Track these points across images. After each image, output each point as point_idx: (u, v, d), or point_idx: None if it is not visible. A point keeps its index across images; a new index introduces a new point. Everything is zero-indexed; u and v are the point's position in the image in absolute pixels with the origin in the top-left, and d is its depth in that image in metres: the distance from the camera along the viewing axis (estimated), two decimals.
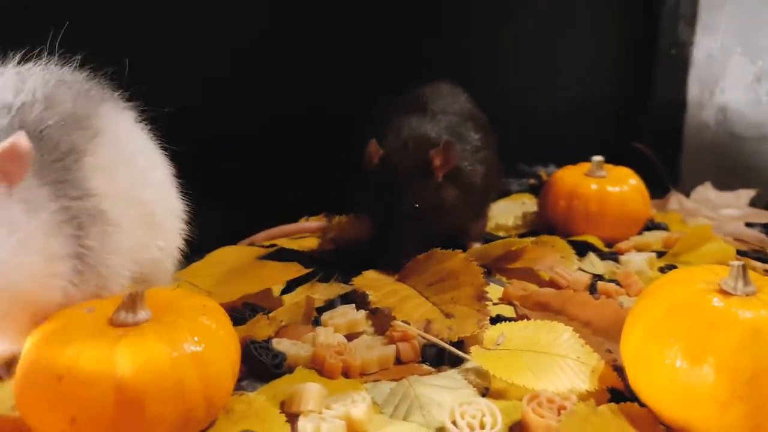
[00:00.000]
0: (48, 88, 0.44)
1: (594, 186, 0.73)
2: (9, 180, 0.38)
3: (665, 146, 1.27)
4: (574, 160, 0.80)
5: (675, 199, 0.86)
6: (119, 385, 0.35)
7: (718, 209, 0.85)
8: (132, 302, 0.39)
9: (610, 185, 0.73)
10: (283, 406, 0.41)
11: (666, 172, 0.94)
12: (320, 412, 0.39)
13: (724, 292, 0.38)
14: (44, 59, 0.48)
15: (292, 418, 0.39)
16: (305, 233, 0.76)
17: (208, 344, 0.38)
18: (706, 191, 0.89)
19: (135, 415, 0.35)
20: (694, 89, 1.29)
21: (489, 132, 0.73)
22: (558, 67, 1.13)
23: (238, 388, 0.43)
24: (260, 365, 0.45)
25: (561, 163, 0.83)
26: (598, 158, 0.75)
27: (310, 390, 0.40)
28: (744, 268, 0.38)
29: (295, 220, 0.78)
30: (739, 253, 0.66)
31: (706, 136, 1.26)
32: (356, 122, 0.78)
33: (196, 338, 0.38)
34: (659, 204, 0.86)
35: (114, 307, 0.39)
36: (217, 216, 0.59)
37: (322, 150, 0.78)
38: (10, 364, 0.44)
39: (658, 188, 0.91)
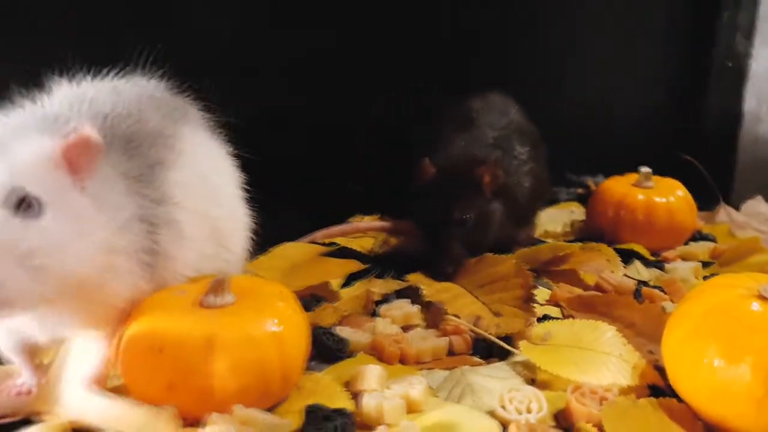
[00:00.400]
0: (140, 104, 0.48)
1: (641, 196, 0.75)
2: (77, 172, 0.40)
3: (719, 159, 1.26)
4: (625, 171, 0.82)
5: (724, 212, 0.87)
6: (210, 357, 0.40)
7: None
8: (219, 287, 0.44)
9: (657, 196, 0.75)
10: (347, 386, 0.45)
11: (715, 184, 0.95)
12: (381, 392, 0.43)
13: (762, 298, 0.41)
14: (137, 75, 0.53)
15: (355, 395, 0.44)
16: (360, 232, 0.81)
17: (285, 326, 0.43)
18: (757, 205, 0.90)
19: (224, 383, 0.40)
20: (751, 102, 1.27)
21: (537, 144, 0.76)
22: (610, 78, 1.15)
23: (307, 368, 0.48)
24: (326, 349, 0.50)
25: (610, 174, 0.85)
26: (645, 169, 0.77)
27: (373, 371, 0.45)
28: None
29: (349, 219, 0.84)
30: None
31: (763, 150, 1.25)
32: (409, 130, 0.83)
33: (275, 320, 0.43)
34: (708, 216, 0.87)
35: (202, 290, 0.45)
36: (279, 214, 0.65)
37: (376, 154, 0.83)
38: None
39: (707, 201, 0.92)
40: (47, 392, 0.42)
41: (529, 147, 0.73)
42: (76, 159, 0.39)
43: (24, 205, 0.37)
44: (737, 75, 1.26)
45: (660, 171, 0.82)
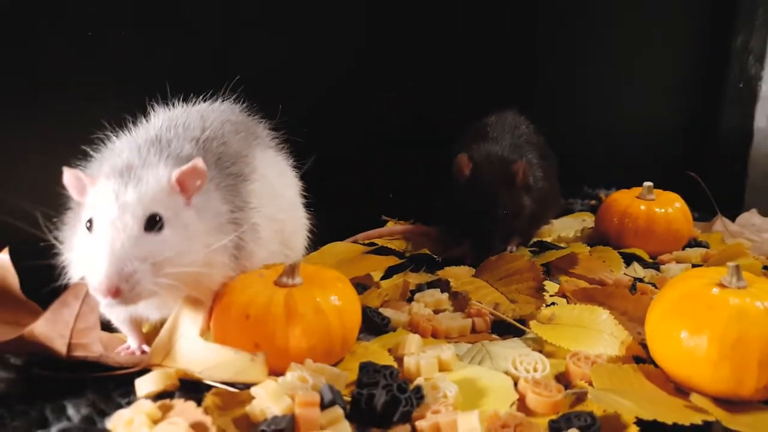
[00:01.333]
0: (222, 128, 0.60)
1: (643, 207, 0.86)
2: (187, 192, 0.51)
3: (731, 174, 1.34)
4: (638, 185, 0.91)
5: (720, 222, 0.97)
6: (287, 322, 0.52)
7: (762, 233, 0.95)
8: (291, 270, 0.56)
9: (657, 207, 0.85)
10: (391, 352, 0.57)
11: (714, 198, 1.03)
12: (418, 354, 0.55)
13: (722, 285, 0.51)
14: (217, 102, 0.65)
15: (398, 360, 0.55)
16: (395, 235, 0.93)
17: (344, 301, 0.55)
18: (750, 217, 0.99)
19: (298, 343, 0.52)
20: (761, 121, 1.35)
21: (547, 156, 0.88)
22: (629, 99, 1.24)
23: (357, 339, 0.59)
24: (373, 323, 0.61)
25: (627, 188, 0.94)
26: (648, 184, 0.88)
27: (413, 339, 0.56)
28: (738, 268, 0.51)
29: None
30: (767, 267, 0.77)
31: None
32: (437, 144, 0.94)
33: (337, 296, 0.54)
34: (706, 226, 0.97)
35: (276, 274, 0.57)
36: (327, 219, 0.76)
37: (410, 166, 0.95)
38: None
39: (711, 213, 1.01)
40: (159, 349, 0.54)
41: (538, 158, 0.85)
42: (188, 183, 0.51)
43: (152, 223, 0.49)
44: (749, 96, 1.34)
45: (672, 185, 0.91)
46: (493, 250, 0.76)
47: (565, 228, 0.97)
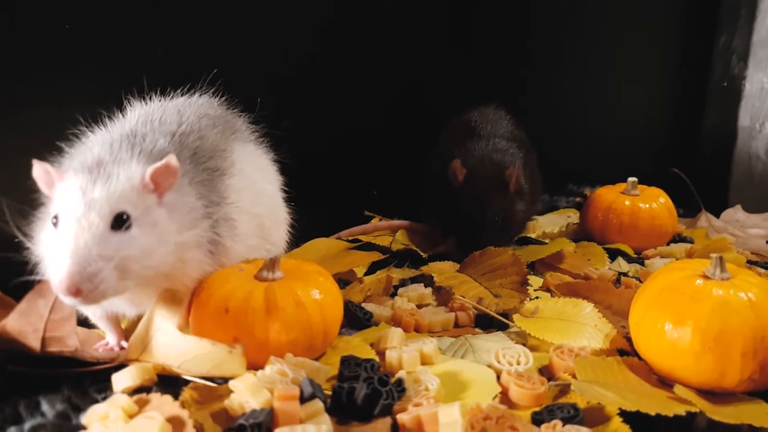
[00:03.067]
0: (199, 122, 0.59)
1: (627, 202, 0.86)
2: (159, 190, 0.50)
3: (715, 172, 1.35)
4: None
5: (704, 218, 0.97)
6: (267, 316, 0.51)
7: (746, 228, 0.95)
8: (272, 264, 0.55)
9: (641, 202, 0.85)
10: (373, 346, 0.56)
11: (703, 194, 1.04)
12: (400, 348, 0.54)
13: (705, 277, 0.51)
14: (196, 95, 0.64)
15: (380, 354, 0.55)
16: (379, 231, 0.92)
17: (325, 295, 0.54)
18: (734, 213, 1.00)
19: (278, 337, 0.51)
20: (745, 120, 1.36)
21: (530, 150, 0.88)
22: (614, 98, 1.25)
23: (339, 333, 0.58)
24: (355, 318, 0.61)
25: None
26: (632, 179, 0.88)
27: (395, 333, 0.56)
28: (721, 259, 0.51)
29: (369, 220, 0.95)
30: (750, 262, 0.77)
31: (756, 165, 1.34)
32: (418, 141, 0.94)
33: (318, 290, 0.54)
34: (690, 222, 0.97)
35: (256, 268, 0.56)
36: (309, 215, 0.75)
37: (393, 162, 0.94)
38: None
39: (695, 210, 1.02)
40: (137, 344, 0.53)
41: (524, 152, 0.84)
42: (160, 181, 0.50)
43: (119, 222, 0.47)
44: (733, 95, 1.36)
45: (659, 183, 0.91)
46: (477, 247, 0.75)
47: (550, 224, 0.97)
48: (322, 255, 0.80)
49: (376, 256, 0.77)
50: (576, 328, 0.57)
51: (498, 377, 0.50)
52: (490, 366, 0.52)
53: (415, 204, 0.93)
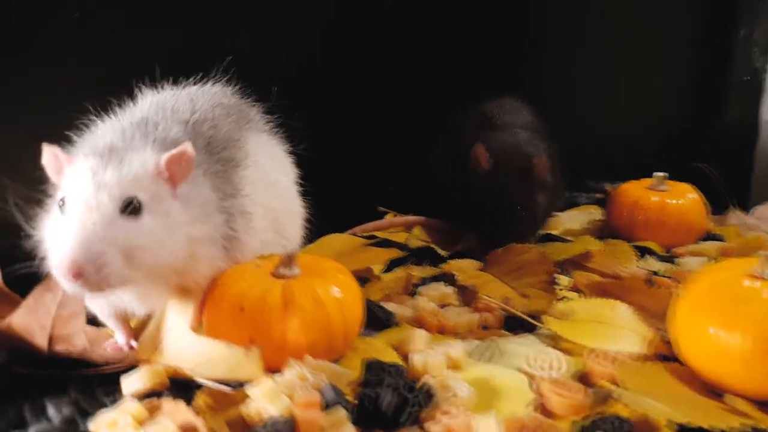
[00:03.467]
0: (213, 111, 0.56)
1: (655, 198, 0.82)
2: (173, 180, 0.47)
3: (737, 167, 1.32)
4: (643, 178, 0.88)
5: (735, 216, 0.93)
6: (285, 315, 0.48)
7: None
8: (289, 260, 0.52)
9: (669, 198, 0.82)
10: (396, 348, 0.53)
11: (728, 190, 1.01)
12: (426, 352, 0.51)
13: (753, 276, 0.47)
14: (209, 84, 0.61)
15: (404, 357, 0.51)
16: (395, 227, 0.88)
17: (345, 293, 0.51)
18: (766, 210, 0.96)
19: (296, 338, 0.48)
20: (766, 114, 1.33)
21: (550, 143, 0.84)
22: (635, 92, 1.22)
23: (359, 334, 0.55)
24: (376, 318, 0.57)
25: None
26: (660, 174, 0.84)
27: (420, 335, 0.52)
28: None
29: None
30: None
31: None
32: (432, 135, 0.90)
33: (338, 288, 0.50)
34: (720, 219, 0.94)
35: (272, 265, 0.53)
36: (323, 209, 0.72)
37: (407, 158, 0.91)
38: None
39: (723, 206, 0.98)
40: (147, 344, 0.50)
41: (546, 144, 0.81)
42: (176, 169, 0.47)
43: (130, 207, 0.44)
44: (754, 88, 1.32)
45: (680, 178, 0.88)
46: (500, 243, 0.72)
47: (572, 221, 0.93)
48: (338, 251, 0.77)
49: (394, 252, 0.74)
50: (612, 331, 0.53)
51: (530, 383, 0.47)
52: (521, 371, 0.49)
53: (433, 199, 0.90)
